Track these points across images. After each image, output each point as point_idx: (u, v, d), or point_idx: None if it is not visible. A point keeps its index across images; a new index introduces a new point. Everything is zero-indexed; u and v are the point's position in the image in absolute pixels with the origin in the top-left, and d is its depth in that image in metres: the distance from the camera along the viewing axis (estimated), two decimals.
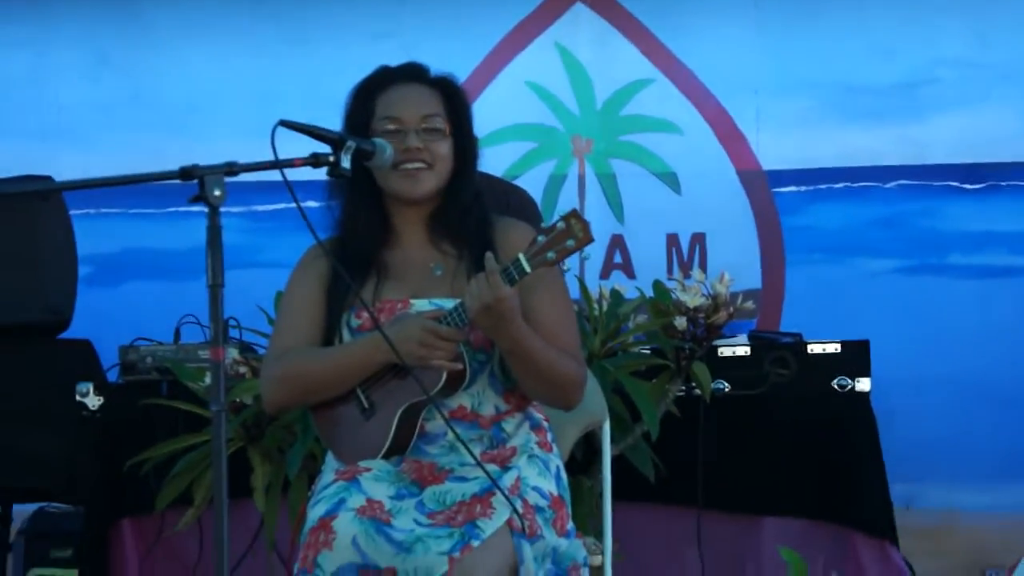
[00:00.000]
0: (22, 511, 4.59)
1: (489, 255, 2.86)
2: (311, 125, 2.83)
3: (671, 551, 3.94)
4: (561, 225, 2.82)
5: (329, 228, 3.10)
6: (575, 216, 2.82)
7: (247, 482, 3.78)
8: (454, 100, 3.07)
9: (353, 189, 3.05)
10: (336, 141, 2.87)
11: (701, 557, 3.90)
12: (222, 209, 2.61)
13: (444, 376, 2.91)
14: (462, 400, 2.99)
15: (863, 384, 3.96)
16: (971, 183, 5.12)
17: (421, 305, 3.00)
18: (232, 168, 2.64)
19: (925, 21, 5.16)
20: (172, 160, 2.69)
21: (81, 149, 5.36)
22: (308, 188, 2.92)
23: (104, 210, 5.36)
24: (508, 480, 2.96)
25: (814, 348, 4.01)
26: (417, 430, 2.97)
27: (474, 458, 2.92)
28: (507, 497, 2.90)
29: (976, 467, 4.72)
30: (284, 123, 2.76)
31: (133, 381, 4.07)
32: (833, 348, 4.00)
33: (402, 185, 3.02)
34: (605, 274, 5.26)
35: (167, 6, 5.46)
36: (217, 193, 2.60)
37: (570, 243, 2.82)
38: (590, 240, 2.81)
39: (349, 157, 2.86)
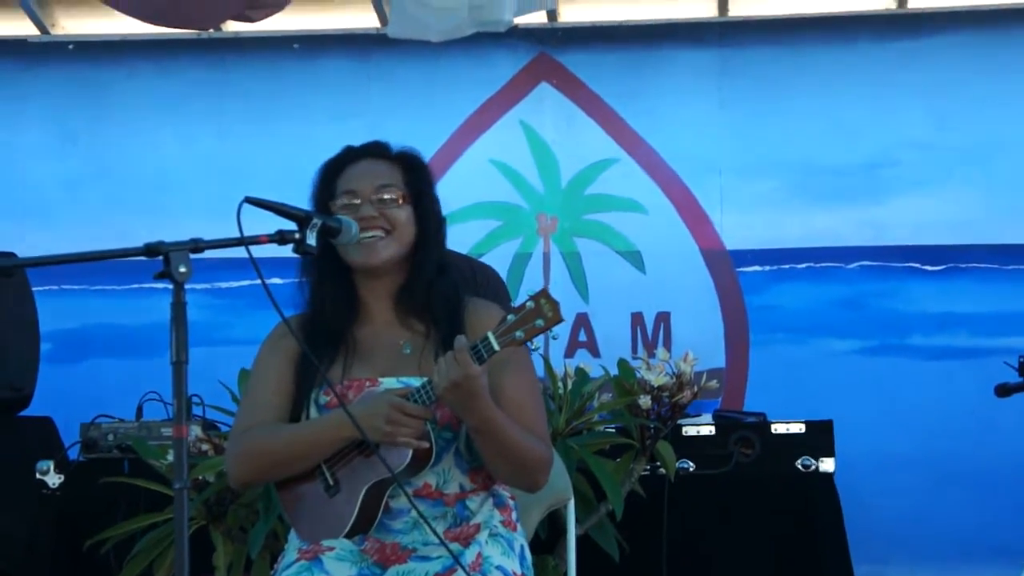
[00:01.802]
0: None
1: (460, 337, 2.86)
2: (277, 202, 2.83)
3: None
4: (531, 304, 2.83)
5: (295, 305, 3.09)
6: (545, 296, 2.83)
7: (209, 562, 3.75)
8: (413, 171, 3.08)
9: (321, 267, 3.05)
10: (302, 218, 2.87)
11: None
12: (187, 286, 2.61)
13: (410, 454, 2.90)
14: (427, 478, 2.98)
15: (827, 464, 3.97)
16: (932, 264, 5.16)
17: (390, 383, 2.99)
18: (197, 245, 2.64)
19: (886, 104, 5.23)
20: (138, 238, 2.68)
21: (47, 226, 5.35)
22: (274, 265, 2.91)
23: (67, 287, 5.35)
24: (470, 557, 2.95)
25: (778, 428, 4.02)
26: (382, 507, 2.95)
27: (436, 535, 2.91)
28: (468, 574, 2.89)
29: (939, 547, 4.73)
30: (250, 200, 2.76)
31: (94, 459, 4.04)
32: (797, 428, 4.01)
33: (361, 255, 3.02)
34: (570, 352, 5.27)
35: (135, 85, 5.48)
36: (182, 270, 2.60)
37: (539, 323, 2.82)
38: (560, 320, 2.82)
39: (315, 234, 2.87)
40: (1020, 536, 3.27)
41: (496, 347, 2.83)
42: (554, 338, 4.69)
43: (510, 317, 2.83)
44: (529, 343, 2.90)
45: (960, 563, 4.57)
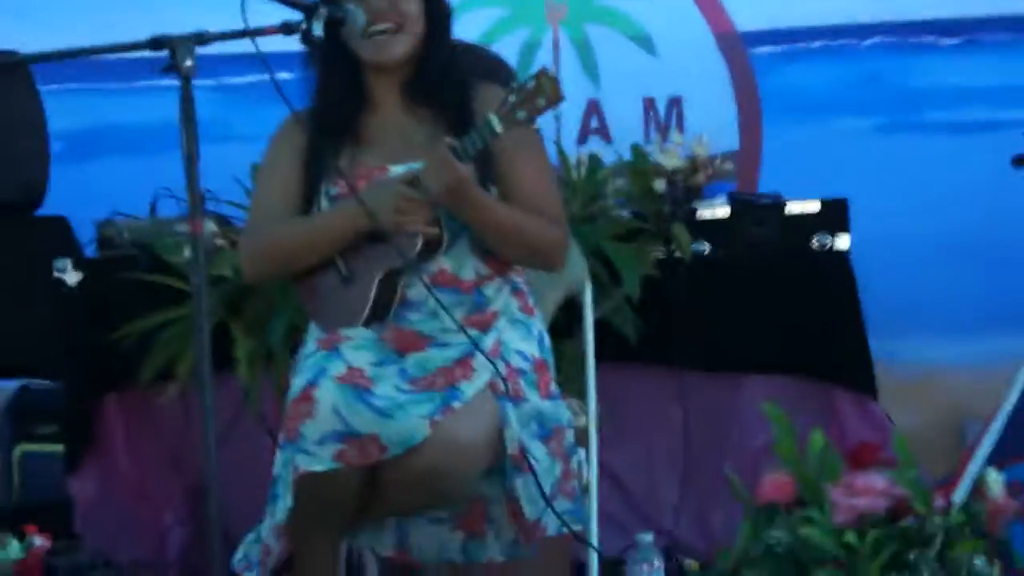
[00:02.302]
0: (5, 388, 4.59)
1: (445, 140, 2.84)
2: None
3: (654, 411, 3.97)
4: (531, 84, 2.81)
5: (303, 100, 3.08)
6: (544, 74, 2.81)
7: (229, 355, 3.79)
8: None
9: (327, 58, 3.02)
10: (308, 8, 2.84)
11: (684, 416, 3.93)
12: (194, 82, 2.59)
13: (420, 240, 2.91)
14: (443, 264, 3.00)
15: (842, 242, 3.97)
16: (949, 37, 5.08)
17: (399, 171, 2.98)
18: (203, 37, 2.61)
19: None
20: (141, 33, 2.65)
21: (45, 26, 5.26)
22: (281, 60, 2.88)
23: (72, 85, 5.29)
24: (488, 343, 2.98)
25: (793, 208, 4.01)
26: (398, 295, 2.97)
27: (453, 319, 2.93)
28: (488, 358, 2.92)
29: (953, 322, 4.74)
30: None
31: (111, 256, 4.05)
32: (812, 207, 4.00)
33: (372, 51, 3.00)
34: (582, 140, 5.23)
35: None
36: (188, 63, 2.57)
37: (541, 101, 2.81)
38: (561, 98, 2.80)
39: (321, 24, 2.84)
40: None
41: (498, 129, 2.82)
42: (556, 118, 4.65)
43: (510, 98, 2.81)
44: (535, 127, 2.89)
45: (975, 335, 4.60)
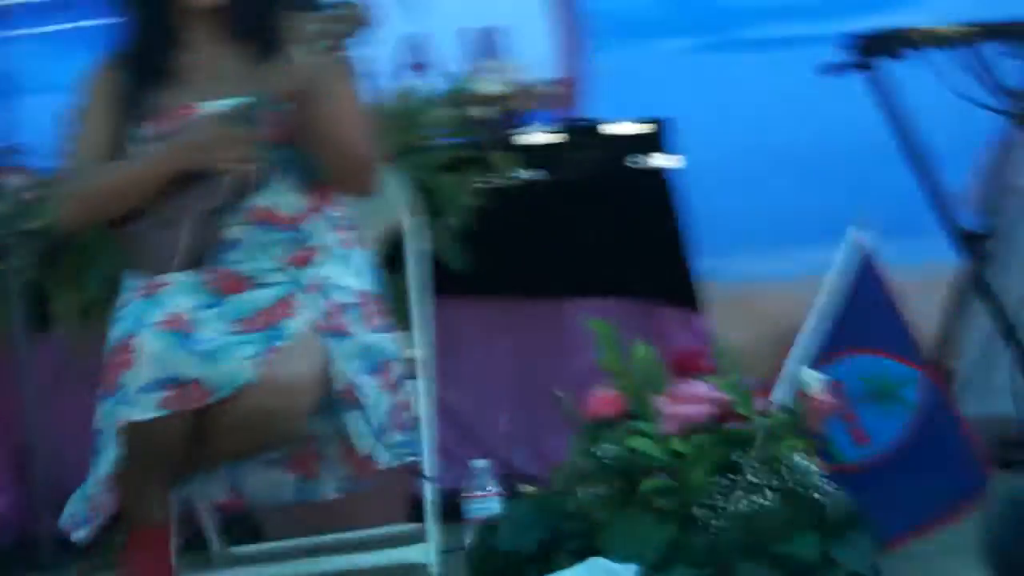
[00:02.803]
0: None
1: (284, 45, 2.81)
2: None
3: (484, 341, 3.99)
4: (333, 12, 2.79)
5: (109, 44, 3.02)
6: (347, 3, 2.79)
7: (47, 311, 3.69)
8: None
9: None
10: None
11: (514, 344, 3.95)
12: (3, 34, 2.52)
13: (235, 178, 2.88)
14: (260, 199, 2.96)
15: (660, 160, 4.01)
16: None
17: (211, 107, 2.94)
18: None
19: None
20: None
21: None
22: (88, 6, 2.82)
23: None
24: (309, 279, 2.96)
25: (611, 129, 4.03)
26: (215, 236, 2.93)
27: (271, 257, 2.90)
28: (308, 294, 2.89)
29: (777, 234, 4.82)
30: None
31: None
32: (628, 128, 4.03)
33: None
34: (398, 75, 5.19)
35: None
36: None
37: (343, 27, 2.79)
38: (364, 23, 2.79)
39: None
40: (852, 217, 3.36)
41: (301, 63, 2.80)
42: (366, 48, 4.60)
43: (312, 27, 2.79)
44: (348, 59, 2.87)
45: (797, 246, 4.67)
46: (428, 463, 3.12)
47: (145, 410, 2.76)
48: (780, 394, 2.88)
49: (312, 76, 2.83)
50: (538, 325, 3.98)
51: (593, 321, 2.87)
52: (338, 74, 2.96)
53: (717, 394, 2.77)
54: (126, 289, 3.02)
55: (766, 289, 4.58)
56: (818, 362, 3.02)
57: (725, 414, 2.77)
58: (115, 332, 2.87)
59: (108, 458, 2.82)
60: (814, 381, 2.84)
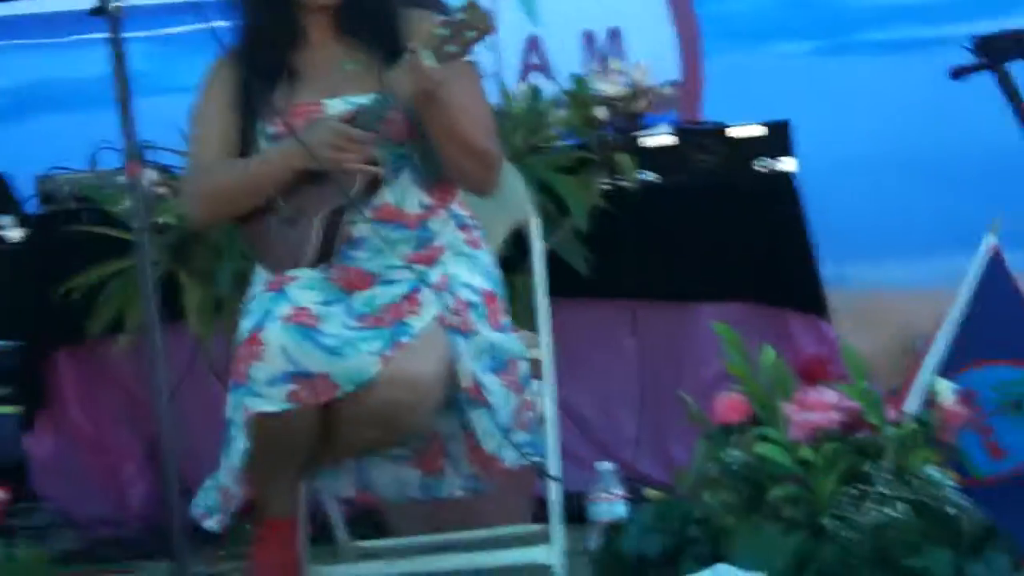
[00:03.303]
0: None
1: (413, 44, 2.83)
2: None
3: (608, 343, 3.98)
4: (461, 16, 2.80)
5: (237, 43, 3.05)
6: (473, 6, 2.80)
7: (179, 304, 3.76)
8: None
9: None
10: None
11: (638, 346, 3.94)
12: (129, 35, 2.56)
13: (360, 177, 2.90)
14: (386, 198, 2.98)
15: (787, 164, 3.97)
16: None
17: (335, 104, 2.97)
18: None
19: None
20: None
21: None
22: (214, 8, 2.86)
23: (7, 43, 5.22)
24: (435, 277, 2.97)
25: (736, 132, 4.01)
26: (342, 234, 2.96)
27: (397, 255, 2.92)
28: (434, 291, 2.90)
29: (903, 242, 4.76)
30: None
31: (53, 211, 4.01)
32: (755, 131, 4.00)
33: None
34: (523, 76, 5.21)
35: None
36: (117, 3, 2.54)
37: (471, 33, 2.80)
38: (491, 29, 2.80)
39: None
40: (983, 224, 3.30)
41: (430, 63, 2.81)
42: (492, 50, 4.61)
43: (440, 31, 2.81)
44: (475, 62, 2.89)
45: (924, 255, 4.61)
46: (553, 464, 3.11)
47: (273, 403, 2.80)
48: (911, 404, 2.83)
49: (439, 79, 2.84)
50: (663, 328, 3.97)
51: (719, 325, 2.84)
52: (463, 74, 2.97)
53: (847, 402, 2.73)
54: (255, 283, 3.06)
55: (894, 297, 4.51)
56: (950, 372, 2.97)
57: (855, 423, 2.73)
58: (244, 325, 2.91)
59: (238, 449, 2.85)
60: (946, 391, 2.79)
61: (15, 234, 3.97)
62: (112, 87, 2.60)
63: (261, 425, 2.81)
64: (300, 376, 2.80)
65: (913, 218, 4.76)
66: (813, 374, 2.81)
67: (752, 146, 4.00)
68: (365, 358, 2.82)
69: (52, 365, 4.01)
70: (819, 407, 2.73)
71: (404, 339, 2.86)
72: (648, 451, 3.93)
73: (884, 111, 4.94)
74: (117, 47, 2.56)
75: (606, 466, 3.26)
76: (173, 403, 2.74)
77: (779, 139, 4.00)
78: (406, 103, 2.87)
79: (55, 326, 3.93)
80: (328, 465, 2.99)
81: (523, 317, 3.32)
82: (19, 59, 5.25)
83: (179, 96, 3.31)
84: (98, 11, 2.55)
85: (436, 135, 2.94)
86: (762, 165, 3.95)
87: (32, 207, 4.08)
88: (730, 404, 2.80)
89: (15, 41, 5.24)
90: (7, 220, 3.97)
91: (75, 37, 5.16)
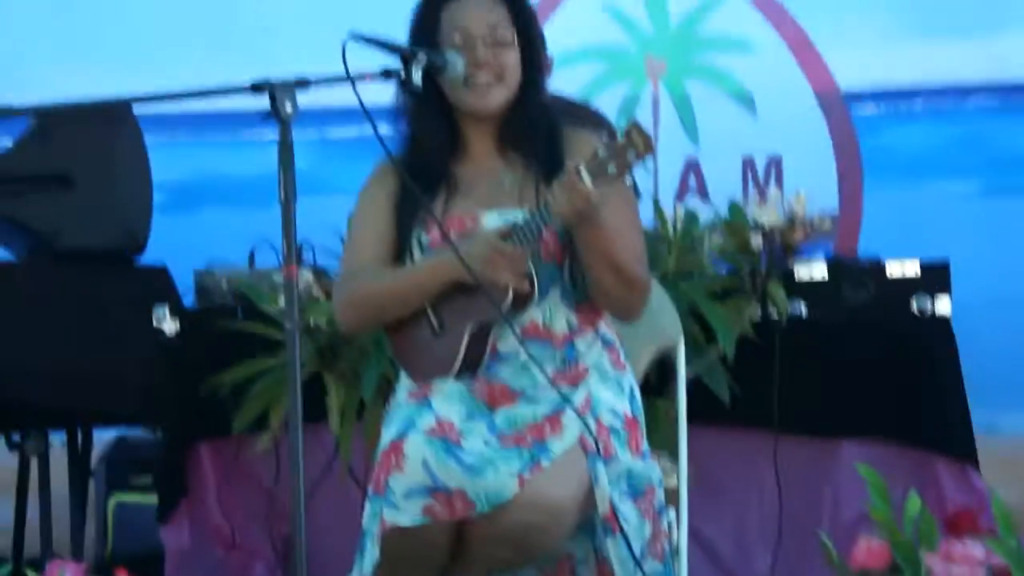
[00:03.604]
0: (102, 438, 4.64)
1: (572, 162, 2.84)
2: (383, 38, 2.83)
3: (747, 473, 3.91)
4: (622, 137, 2.80)
5: (398, 149, 3.09)
6: (635, 127, 2.80)
7: (323, 406, 3.80)
8: (519, 8, 3.04)
9: (422, 104, 3.03)
10: (407, 55, 2.87)
11: (778, 479, 3.87)
12: (296, 136, 2.62)
13: (512, 293, 2.91)
14: (533, 315, 2.98)
15: (943, 306, 3.89)
16: None
17: (490, 217, 2.98)
18: (303, 81, 2.64)
19: None
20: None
21: (151, 79, 5.35)
22: (378, 115, 2.91)
23: (177, 138, 5.37)
24: (579, 398, 2.95)
25: (893, 270, 3.94)
26: (489, 348, 2.96)
27: (543, 372, 2.91)
28: (578, 415, 2.89)
29: None
30: (356, 36, 2.75)
31: (209, 306, 4.09)
32: (912, 269, 3.93)
33: (472, 99, 3.00)
34: (680, 198, 5.22)
35: None
36: (288, 108, 2.60)
37: (631, 155, 2.80)
38: (651, 150, 2.79)
39: (420, 71, 2.86)
40: None
41: (588, 183, 2.81)
42: (650, 171, 4.62)
43: (601, 152, 2.81)
44: (629, 181, 2.89)
45: None
46: None
47: (409, 516, 2.79)
48: None
49: (596, 200, 2.84)
50: (804, 463, 3.89)
51: (863, 467, 2.79)
52: (619, 196, 2.97)
53: (994, 558, 2.65)
54: (398, 391, 3.07)
55: None
56: None
57: None
58: (387, 434, 2.91)
59: (370, 559, 2.85)
60: None
61: (171, 326, 4.05)
62: (275, 186, 2.65)
63: (394, 538, 2.81)
64: (438, 491, 2.80)
65: None
66: (960, 526, 2.74)
67: (909, 285, 3.93)
68: (504, 478, 2.81)
69: (194, 458, 4.06)
70: (965, 561, 2.66)
71: (544, 461, 2.85)
72: None
73: None
74: (285, 150, 2.61)
75: None
76: (308, 504, 2.75)
77: (937, 279, 3.93)
78: (561, 222, 2.87)
79: (200, 419, 3.99)
80: None
81: (661, 442, 3.29)
82: (186, 153, 5.40)
83: (339, 198, 3.37)
84: (270, 115, 2.61)
85: (587, 256, 2.93)
86: (918, 306, 3.87)
87: (189, 300, 4.17)
88: (871, 550, 2.74)
89: (185, 137, 5.40)
90: (164, 312, 4.06)
91: (246, 134, 5.30)
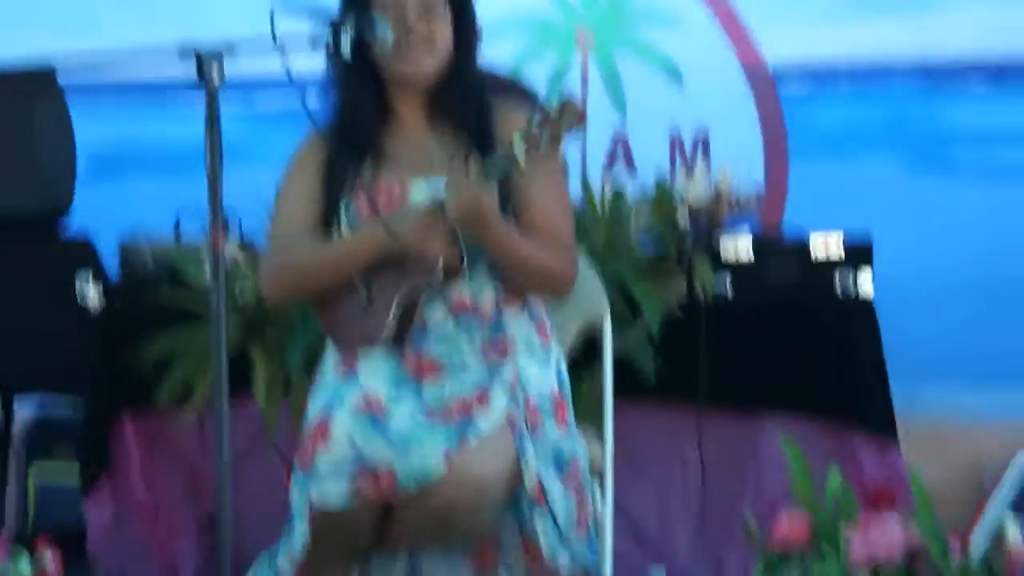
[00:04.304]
0: (23, 409, 4.59)
1: (464, 160, 2.83)
2: (311, 5, 2.80)
3: (670, 448, 3.94)
4: (554, 109, 2.80)
5: (327, 119, 3.07)
6: (567, 100, 2.80)
7: (248, 379, 3.78)
8: None
9: (351, 73, 3.01)
10: (335, 22, 2.85)
11: (701, 455, 3.90)
12: (223, 107, 2.59)
13: (440, 263, 2.90)
14: (461, 290, 2.98)
15: (866, 283, 3.93)
16: (980, 79, 5.05)
17: (418, 185, 2.97)
18: (229, 47, 2.61)
19: None
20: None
21: (79, 39, 5.27)
22: (308, 86, 2.89)
23: (103, 106, 5.31)
24: (507, 373, 2.96)
25: (817, 250, 3.97)
26: (416, 318, 2.96)
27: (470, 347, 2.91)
28: (507, 392, 2.90)
29: (983, 371, 4.69)
30: (284, 2, 2.73)
31: (133, 277, 4.05)
32: (836, 248, 3.96)
33: (401, 66, 2.99)
34: (608, 168, 5.22)
35: None
36: (216, 75, 2.57)
37: (563, 126, 2.80)
38: (583, 122, 2.79)
39: (348, 39, 2.84)
40: None
41: (520, 155, 2.80)
42: (580, 142, 4.61)
43: (534, 122, 2.80)
44: (560, 157, 2.89)
45: (1007, 385, 4.54)
46: (607, 570, 3.08)
47: (336, 496, 2.79)
48: (977, 541, 2.78)
49: (525, 171, 2.84)
50: (727, 438, 3.93)
51: (786, 442, 2.81)
52: (549, 171, 2.97)
53: (911, 532, 2.69)
54: (325, 363, 3.07)
55: (967, 426, 4.44)
56: (1021, 511, 2.91)
57: (917, 555, 2.69)
58: (313, 408, 2.91)
59: (300, 535, 2.85)
60: (1015, 531, 2.74)
61: (95, 297, 4.01)
62: (202, 155, 2.62)
63: (323, 519, 2.81)
64: (365, 468, 2.80)
65: (991, 347, 4.70)
66: (879, 501, 2.77)
67: (832, 263, 3.97)
68: (430, 456, 2.81)
69: (118, 428, 4.03)
70: (882, 535, 2.69)
71: (471, 437, 2.85)
72: (703, 560, 3.88)
73: (970, 233, 4.91)
74: (212, 116, 2.58)
75: (659, 572, 3.22)
76: (234, 478, 2.74)
77: (860, 256, 3.97)
78: (451, 215, 2.85)
79: (124, 391, 3.96)
80: (382, 554, 2.97)
81: (586, 415, 3.30)
82: (110, 121, 5.34)
83: (267, 170, 3.34)
84: (197, 79, 2.58)
85: (498, 262, 2.93)
86: (841, 284, 3.91)
87: (113, 271, 4.13)
88: (791, 522, 2.77)
89: (109, 101, 5.33)
90: (87, 283, 4.01)
91: (172, 102, 5.25)
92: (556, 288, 3.01)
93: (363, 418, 2.83)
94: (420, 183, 2.98)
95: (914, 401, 4.19)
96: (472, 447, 2.84)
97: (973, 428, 4.36)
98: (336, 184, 3.03)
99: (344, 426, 2.82)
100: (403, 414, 2.88)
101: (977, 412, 4.46)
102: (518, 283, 2.98)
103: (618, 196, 3.89)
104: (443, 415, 2.90)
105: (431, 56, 2.99)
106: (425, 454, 2.81)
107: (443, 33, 3.00)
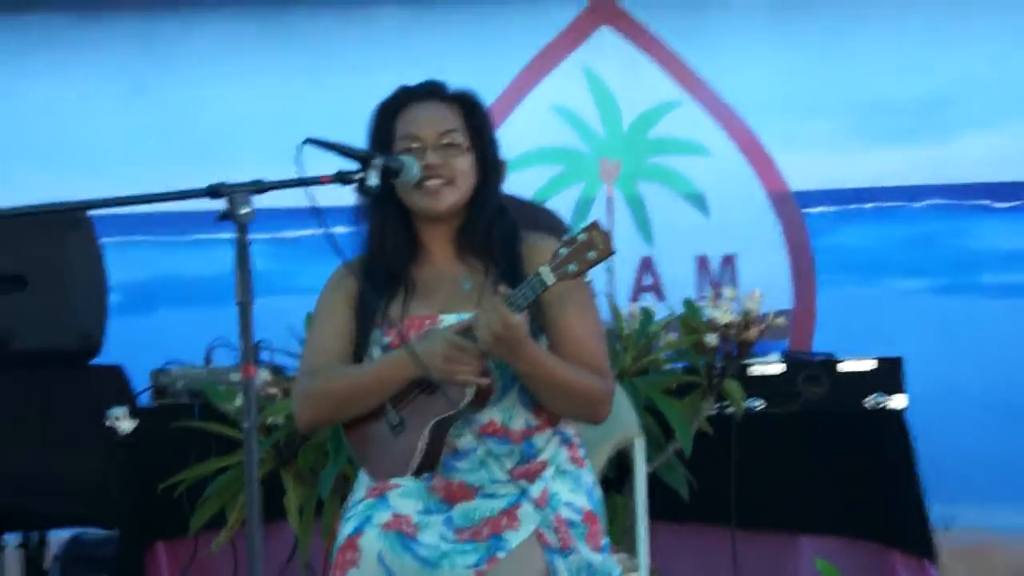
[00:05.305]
0: (57, 538, 4.60)
1: (501, 289, 2.86)
2: (338, 142, 2.85)
3: (706, 570, 3.91)
4: (583, 237, 2.82)
5: (357, 251, 3.11)
6: (596, 227, 2.82)
7: (281, 504, 3.78)
8: (473, 114, 3.07)
9: (380, 207, 3.06)
10: (363, 158, 2.89)
11: (736, 574, 3.87)
12: (251, 236, 2.62)
13: (472, 391, 2.91)
14: (492, 415, 2.99)
15: (897, 401, 3.93)
16: (1001, 201, 5.09)
17: (450, 320, 2.99)
18: (259, 186, 2.65)
19: (952, 38, 5.15)
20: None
21: (109, 182, 5.37)
22: (335, 214, 2.93)
23: (133, 238, 5.38)
24: (536, 492, 2.95)
25: (847, 366, 3.98)
26: (446, 446, 2.96)
27: (502, 470, 2.91)
28: (535, 507, 2.88)
29: (1012, 487, 4.67)
30: (311, 140, 2.77)
31: (165, 405, 4.08)
32: (866, 365, 3.97)
33: (424, 202, 3.03)
34: (635, 296, 5.26)
35: (197, 34, 5.49)
36: (244, 211, 2.61)
37: (592, 254, 2.81)
38: (612, 251, 2.81)
39: (376, 174, 2.88)
40: None
41: (548, 282, 2.82)
42: (608, 271, 4.67)
43: (562, 251, 2.83)
44: (588, 281, 2.90)
45: None
46: None
47: None
48: None
49: (556, 301, 2.86)
50: (763, 558, 3.90)
51: (821, 562, 2.79)
52: (580, 297, 2.99)
53: None
54: (356, 489, 3.06)
55: (1004, 541, 4.40)
56: None
57: None
58: (344, 530, 2.90)
59: None
60: None
61: (126, 426, 4.03)
62: (231, 285, 2.65)
63: None
64: None
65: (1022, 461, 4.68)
66: None
67: (862, 380, 3.97)
68: (460, 571, 2.80)
69: (151, 556, 4.02)
70: None
71: (500, 554, 2.84)
72: None
73: (997, 353, 4.91)
74: (242, 252, 2.61)
75: None
76: None
77: (891, 375, 3.97)
78: (485, 345, 2.85)
79: (157, 518, 3.96)
80: None
81: (622, 538, 3.29)
82: (141, 254, 5.41)
83: (295, 297, 3.37)
84: (225, 216, 2.62)
85: (532, 389, 2.94)
86: (872, 401, 3.91)
87: (145, 400, 4.15)
88: None
89: (140, 237, 5.40)
90: (120, 412, 4.04)
91: (201, 235, 5.32)
92: (594, 411, 3.01)
93: (392, 536, 2.83)
94: (451, 320, 2.98)
95: (952, 518, 4.16)
96: (500, 562, 2.82)
97: (1012, 542, 4.32)
98: (367, 314, 3.04)
99: (373, 543, 2.81)
100: (432, 533, 2.87)
101: (1015, 529, 4.42)
102: (556, 407, 2.98)
103: (646, 316, 3.91)
104: (472, 534, 2.89)
105: (451, 192, 3.03)
106: (454, 571, 2.79)
107: (464, 169, 3.04)
